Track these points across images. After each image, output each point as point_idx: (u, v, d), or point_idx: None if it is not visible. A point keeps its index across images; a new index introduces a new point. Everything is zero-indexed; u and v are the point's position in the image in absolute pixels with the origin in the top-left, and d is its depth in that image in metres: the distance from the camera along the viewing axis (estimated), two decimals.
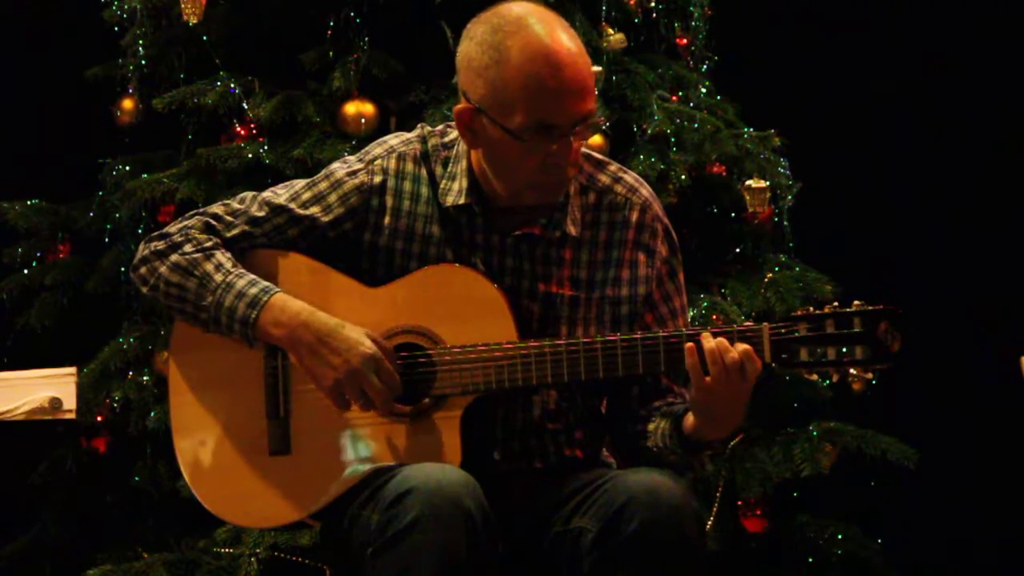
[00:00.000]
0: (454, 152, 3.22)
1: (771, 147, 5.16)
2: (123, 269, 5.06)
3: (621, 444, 3.28)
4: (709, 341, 3.02)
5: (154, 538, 4.97)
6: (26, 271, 5.25)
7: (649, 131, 4.98)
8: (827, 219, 5.41)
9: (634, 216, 3.23)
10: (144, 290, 3.22)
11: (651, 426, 3.20)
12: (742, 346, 3.02)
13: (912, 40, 5.77)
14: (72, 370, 3.53)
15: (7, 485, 5.28)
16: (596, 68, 4.82)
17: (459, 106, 3.13)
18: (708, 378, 3.02)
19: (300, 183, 3.25)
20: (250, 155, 4.90)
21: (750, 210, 5.12)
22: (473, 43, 3.10)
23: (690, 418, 3.12)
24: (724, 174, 5.16)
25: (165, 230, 3.23)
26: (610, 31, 5.08)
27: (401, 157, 3.24)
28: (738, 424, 3.15)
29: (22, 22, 5.63)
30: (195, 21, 4.96)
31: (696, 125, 5.05)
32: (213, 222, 3.21)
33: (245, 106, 4.98)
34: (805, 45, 5.73)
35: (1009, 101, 5.68)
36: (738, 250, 5.20)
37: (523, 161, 3.09)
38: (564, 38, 3.07)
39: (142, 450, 5.00)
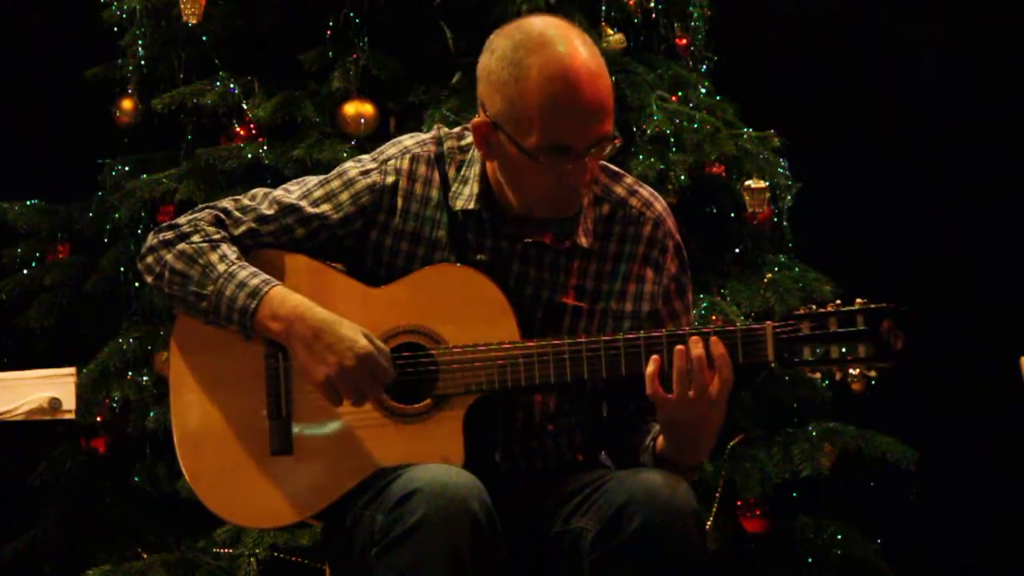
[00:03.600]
0: (469, 156, 3.21)
1: (770, 147, 5.16)
2: (123, 269, 5.06)
3: (622, 456, 3.26)
4: (680, 359, 3.02)
5: (154, 538, 4.97)
6: (26, 271, 5.25)
7: (648, 131, 4.98)
8: (827, 219, 5.41)
9: (646, 230, 3.23)
10: (149, 279, 3.22)
11: (647, 439, 3.21)
12: (723, 372, 3.01)
13: (911, 40, 5.77)
14: (71, 370, 3.53)
15: (7, 485, 5.28)
16: None
17: (476, 119, 3.12)
18: (671, 395, 3.02)
19: (313, 180, 3.25)
20: (249, 155, 4.90)
21: (749, 210, 5.12)
22: (494, 57, 3.09)
23: (662, 439, 3.14)
24: (723, 174, 5.16)
25: (174, 221, 3.23)
26: (609, 31, 5.08)
27: (415, 159, 3.23)
28: (707, 453, 3.15)
29: (22, 22, 5.63)
30: (195, 21, 4.97)
31: (695, 125, 5.05)
32: (222, 216, 3.22)
33: (245, 106, 4.99)
34: (805, 45, 5.73)
35: (1009, 101, 5.68)
36: (737, 250, 5.20)
37: (537, 178, 3.09)
38: (585, 59, 3.04)
39: (142, 450, 5.00)
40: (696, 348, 3.02)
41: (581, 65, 3.04)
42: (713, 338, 3.02)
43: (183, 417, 3.23)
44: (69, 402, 3.51)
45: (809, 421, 5.03)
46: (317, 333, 3.10)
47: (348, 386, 3.08)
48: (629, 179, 3.27)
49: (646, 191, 3.26)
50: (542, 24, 3.09)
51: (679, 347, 3.02)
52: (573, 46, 3.05)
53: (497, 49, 3.09)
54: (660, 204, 3.26)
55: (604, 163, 3.22)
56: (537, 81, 3.03)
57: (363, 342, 3.08)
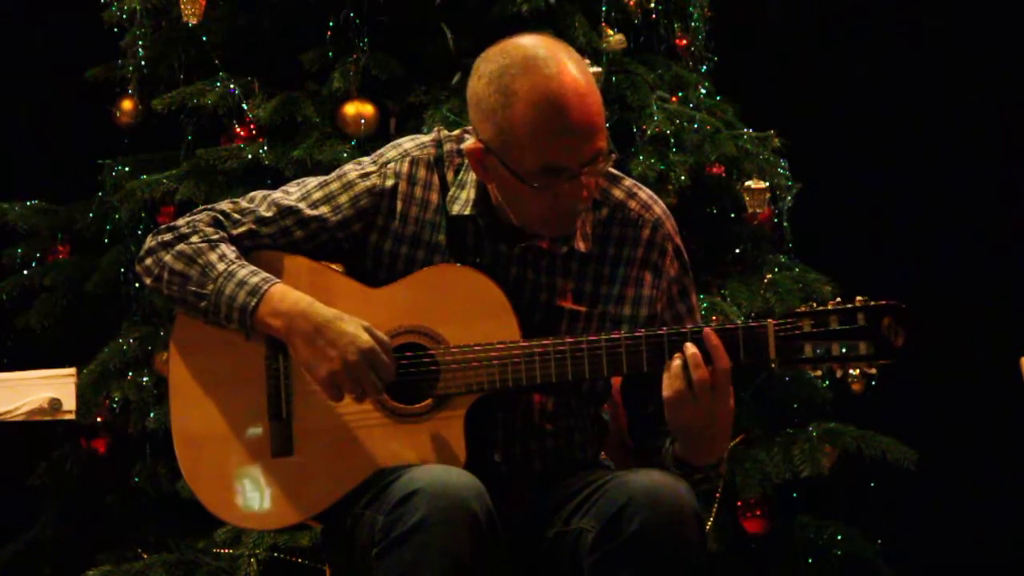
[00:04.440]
0: (467, 160, 3.20)
1: (770, 148, 5.16)
2: (123, 270, 5.06)
3: (644, 460, 3.25)
4: (676, 359, 3.02)
5: (154, 538, 4.97)
6: (26, 271, 5.25)
7: (649, 132, 4.97)
8: (827, 220, 5.41)
9: (645, 233, 3.22)
10: (148, 281, 3.22)
11: (667, 442, 3.20)
12: (720, 363, 3.02)
13: (912, 40, 5.77)
14: (72, 371, 3.53)
15: (7, 485, 5.28)
16: (596, 69, 4.83)
17: (469, 144, 3.11)
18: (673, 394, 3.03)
19: (312, 182, 3.25)
20: (250, 156, 4.90)
21: (749, 211, 5.12)
22: (482, 83, 3.07)
23: (677, 444, 3.14)
24: (724, 175, 5.16)
25: (173, 223, 3.23)
26: (610, 32, 5.08)
27: (414, 162, 3.22)
28: (721, 451, 3.14)
29: (22, 22, 5.63)
30: (195, 22, 4.97)
31: (696, 126, 5.05)
32: (221, 218, 3.21)
33: (245, 107, 4.99)
34: (805, 45, 5.73)
35: (1009, 101, 5.68)
36: (738, 251, 5.20)
37: (533, 200, 3.07)
38: (572, 77, 3.02)
39: (142, 450, 5.00)
40: (691, 348, 3.03)
41: (568, 85, 3.01)
42: (706, 330, 3.03)
43: (183, 418, 3.23)
44: (69, 402, 3.51)
45: (809, 421, 5.03)
46: (319, 329, 3.09)
47: (350, 382, 3.08)
48: (628, 182, 3.26)
49: (645, 194, 3.25)
50: (527, 45, 3.06)
51: (688, 343, 3.03)
52: (560, 67, 3.03)
53: (484, 75, 3.07)
54: (659, 207, 3.25)
55: None
56: (525, 106, 3.01)
57: (365, 337, 3.08)
